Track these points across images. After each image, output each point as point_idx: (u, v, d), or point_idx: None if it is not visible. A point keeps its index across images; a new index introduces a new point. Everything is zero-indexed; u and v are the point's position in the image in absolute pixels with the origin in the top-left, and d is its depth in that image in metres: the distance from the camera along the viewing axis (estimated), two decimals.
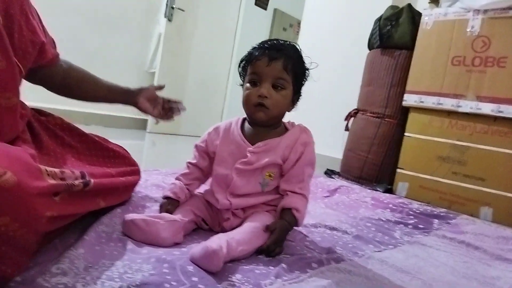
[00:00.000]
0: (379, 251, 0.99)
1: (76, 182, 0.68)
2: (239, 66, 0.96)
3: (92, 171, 0.80)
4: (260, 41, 0.94)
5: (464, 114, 1.85)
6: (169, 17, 3.34)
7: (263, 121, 0.90)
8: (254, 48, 0.93)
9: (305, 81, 0.96)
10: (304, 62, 0.94)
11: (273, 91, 0.89)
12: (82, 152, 0.91)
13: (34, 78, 0.92)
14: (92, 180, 0.73)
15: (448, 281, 0.85)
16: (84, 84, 1.05)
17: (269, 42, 0.92)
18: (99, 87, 1.08)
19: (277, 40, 0.94)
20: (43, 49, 0.84)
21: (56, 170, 0.65)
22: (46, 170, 0.62)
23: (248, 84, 0.91)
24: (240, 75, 0.97)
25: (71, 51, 2.97)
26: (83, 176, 0.72)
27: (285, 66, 0.88)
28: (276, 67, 0.88)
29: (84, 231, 0.77)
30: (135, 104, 1.14)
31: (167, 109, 1.18)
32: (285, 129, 0.95)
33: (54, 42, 0.95)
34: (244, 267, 0.74)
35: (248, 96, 0.90)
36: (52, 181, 0.61)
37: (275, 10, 4.48)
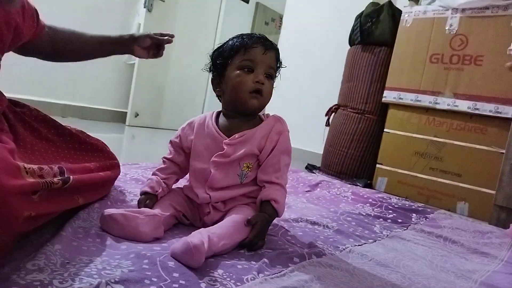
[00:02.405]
0: (359, 245, 1.01)
1: (55, 179, 0.66)
2: (216, 55, 0.95)
3: (71, 167, 0.77)
4: (237, 35, 0.95)
5: (441, 111, 1.89)
6: (148, 8, 3.29)
7: (256, 108, 0.91)
8: (240, 37, 0.92)
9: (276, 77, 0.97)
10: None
11: (266, 79, 0.90)
12: (59, 145, 0.89)
13: (24, 52, 0.92)
14: (71, 177, 0.71)
15: (426, 275, 0.86)
16: (72, 45, 1.02)
17: (255, 34, 0.93)
18: (89, 44, 1.05)
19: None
20: (19, 31, 0.81)
21: (34, 167, 0.62)
22: (25, 168, 0.59)
23: (239, 71, 0.90)
24: (216, 65, 0.95)
25: None
26: (61, 172, 0.70)
27: (277, 57, 0.93)
28: (271, 56, 0.91)
29: (61, 227, 0.75)
30: (130, 52, 1.11)
31: (157, 46, 1.14)
32: (259, 120, 0.95)
33: (37, 13, 0.91)
34: (226, 262, 0.74)
35: (244, 82, 0.89)
36: (30, 179, 0.58)
37: (257, 3, 4.46)
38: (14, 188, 0.53)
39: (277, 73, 0.96)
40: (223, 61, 0.93)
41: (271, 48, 0.91)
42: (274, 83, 0.96)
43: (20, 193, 0.55)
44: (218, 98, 0.98)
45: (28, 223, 0.58)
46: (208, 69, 0.97)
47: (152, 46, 1.11)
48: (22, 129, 0.83)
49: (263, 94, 0.89)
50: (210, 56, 0.97)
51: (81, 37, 1.03)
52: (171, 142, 1.01)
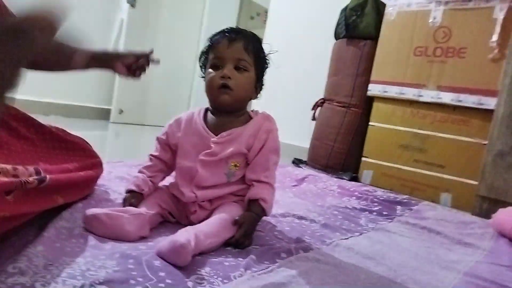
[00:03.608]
0: (346, 239, 1.01)
1: (30, 179, 0.64)
2: (200, 58, 0.96)
3: (48, 167, 0.75)
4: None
5: (425, 104, 1.91)
6: (131, 3, 3.23)
7: (228, 103, 0.89)
8: (212, 35, 0.93)
9: (266, 67, 0.96)
10: (263, 47, 0.95)
11: (236, 72, 0.88)
12: (38, 144, 0.86)
13: None
14: (47, 176, 0.69)
15: (411, 266, 0.87)
16: (56, 56, 0.96)
17: (227, 28, 0.92)
18: (72, 58, 0.98)
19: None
20: None
21: (8, 166, 0.61)
22: None
23: (210, 69, 0.90)
24: (201, 67, 0.96)
25: None
26: (37, 172, 0.68)
27: (246, 47, 0.89)
28: (237, 48, 0.88)
29: (43, 227, 0.73)
30: (111, 68, 1.06)
31: (137, 67, 1.10)
32: (249, 117, 0.94)
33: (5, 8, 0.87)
34: (213, 259, 0.73)
35: (211, 80, 0.88)
36: (3, 179, 0.57)
37: None
38: None
39: (262, 63, 0.93)
40: (203, 61, 0.95)
41: (236, 39, 0.88)
42: (262, 74, 0.94)
43: None
44: None
45: (3, 224, 0.57)
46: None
47: (134, 64, 1.07)
48: None
49: (232, 88, 0.87)
50: (199, 58, 0.97)
51: (65, 49, 0.95)
52: (157, 139, 0.99)
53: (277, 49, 0.95)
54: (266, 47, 0.96)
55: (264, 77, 0.97)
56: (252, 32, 0.94)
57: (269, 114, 0.96)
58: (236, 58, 0.88)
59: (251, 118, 0.94)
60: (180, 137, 0.93)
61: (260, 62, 0.94)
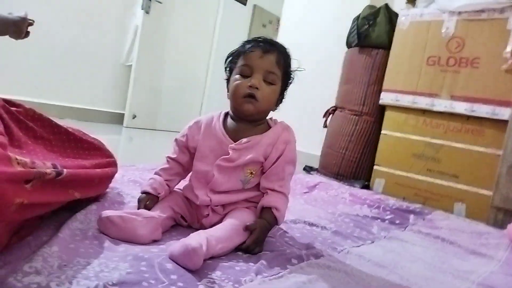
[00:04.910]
0: (357, 246, 1.01)
1: (48, 170, 0.65)
2: (226, 60, 0.95)
3: (65, 163, 0.77)
4: (246, 38, 0.94)
5: (438, 113, 1.89)
6: (146, 9, 3.29)
7: (251, 113, 0.89)
8: (245, 42, 0.92)
9: (290, 83, 0.96)
10: (291, 63, 0.95)
11: (264, 83, 0.88)
12: (55, 144, 0.88)
13: None
14: (65, 170, 0.71)
15: (424, 276, 0.86)
16: None
17: (261, 38, 0.92)
18: None
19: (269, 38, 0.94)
20: None
21: (27, 160, 0.62)
22: (16, 159, 0.59)
23: (237, 76, 0.89)
24: (226, 70, 0.96)
25: (45, 44, 2.89)
26: (55, 167, 0.69)
27: (278, 61, 0.89)
28: (269, 60, 0.88)
29: (58, 229, 0.74)
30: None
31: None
32: (267, 126, 0.95)
33: None
34: (224, 264, 0.73)
35: (238, 87, 0.88)
36: (22, 169, 0.59)
37: (255, 6, 4.46)
38: (4, 175, 0.53)
39: (289, 77, 0.94)
40: (230, 65, 0.94)
41: (270, 51, 0.89)
42: (285, 88, 0.95)
43: (11, 180, 0.55)
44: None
45: (21, 211, 0.58)
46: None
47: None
48: (16, 128, 0.83)
49: (258, 99, 0.87)
50: (225, 60, 0.97)
51: None
52: (176, 140, 0.98)
53: (298, 63, 0.95)
54: (294, 62, 0.96)
55: (286, 92, 0.97)
56: (284, 46, 0.94)
57: (288, 125, 0.96)
58: (266, 70, 0.88)
59: (269, 127, 0.94)
60: (199, 140, 0.94)
61: (287, 77, 0.94)
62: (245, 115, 0.90)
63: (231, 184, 0.90)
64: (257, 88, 0.87)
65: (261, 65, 0.88)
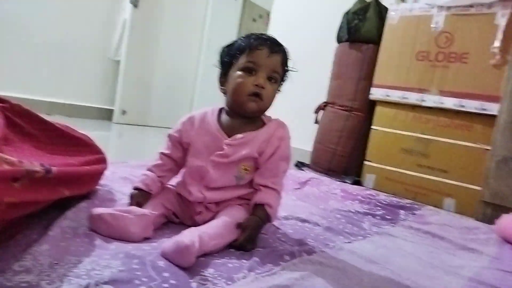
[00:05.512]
0: (349, 242, 1.01)
1: (37, 168, 0.64)
2: (223, 52, 0.93)
3: (53, 161, 0.75)
4: (237, 33, 0.93)
5: (427, 108, 1.91)
6: (134, 3, 3.24)
7: (254, 112, 0.89)
8: (248, 37, 0.90)
9: (285, 81, 0.96)
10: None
11: (268, 83, 0.88)
12: (42, 140, 0.87)
13: None
14: (53, 168, 0.69)
15: (415, 271, 0.87)
16: None
17: (265, 35, 0.91)
18: None
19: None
20: None
21: (14, 159, 0.61)
22: (5, 159, 0.58)
23: (240, 72, 0.88)
24: (223, 63, 0.94)
25: (32, 38, 2.84)
26: (42, 166, 0.68)
27: (282, 61, 0.90)
28: (275, 60, 0.89)
29: (48, 227, 0.73)
30: None
31: None
32: (262, 122, 0.94)
33: None
34: (217, 261, 0.73)
35: (242, 84, 0.87)
36: (9, 167, 0.57)
37: (245, 0, 4.44)
38: None
39: (285, 77, 0.94)
40: (229, 59, 0.92)
41: (277, 51, 0.89)
42: (280, 88, 0.95)
43: None
44: (224, 95, 0.95)
45: (11, 210, 0.57)
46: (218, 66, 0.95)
47: None
48: (3, 125, 0.81)
49: (263, 98, 0.87)
50: (219, 53, 0.95)
51: None
52: (169, 136, 0.97)
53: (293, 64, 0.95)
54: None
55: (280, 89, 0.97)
56: (286, 48, 0.94)
57: (283, 122, 0.95)
58: (271, 70, 0.88)
59: (264, 123, 0.94)
60: (193, 135, 0.93)
61: (285, 76, 0.95)
62: (247, 113, 0.90)
63: (225, 180, 0.90)
64: (263, 87, 0.87)
65: (268, 64, 0.87)
